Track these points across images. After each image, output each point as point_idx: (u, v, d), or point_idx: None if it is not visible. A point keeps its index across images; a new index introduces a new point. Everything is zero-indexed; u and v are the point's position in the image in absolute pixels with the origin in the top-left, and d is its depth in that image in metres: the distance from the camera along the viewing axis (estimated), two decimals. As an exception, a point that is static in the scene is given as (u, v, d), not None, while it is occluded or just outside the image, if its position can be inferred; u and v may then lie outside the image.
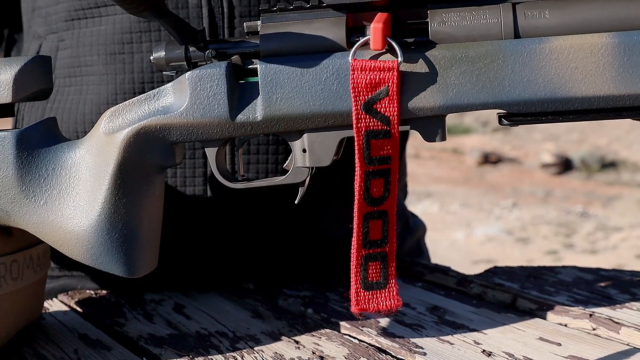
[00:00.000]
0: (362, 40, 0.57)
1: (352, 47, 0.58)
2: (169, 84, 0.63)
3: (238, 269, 0.90)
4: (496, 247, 5.39)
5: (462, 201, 7.76)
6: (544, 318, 0.80)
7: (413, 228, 1.11)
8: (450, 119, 17.78)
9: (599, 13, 0.57)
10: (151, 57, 0.64)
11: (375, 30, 0.56)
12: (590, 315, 0.78)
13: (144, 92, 0.82)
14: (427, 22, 0.59)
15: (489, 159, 13.35)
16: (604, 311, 0.80)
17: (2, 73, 0.66)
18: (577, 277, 0.94)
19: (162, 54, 0.63)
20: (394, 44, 0.57)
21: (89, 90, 0.84)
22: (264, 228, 0.86)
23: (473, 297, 0.88)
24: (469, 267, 4.67)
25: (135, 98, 0.64)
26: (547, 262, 5.02)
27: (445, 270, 0.96)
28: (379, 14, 0.58)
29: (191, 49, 0.62)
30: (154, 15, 0.57)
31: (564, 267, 0.99)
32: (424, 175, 11.92)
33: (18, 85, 0.65)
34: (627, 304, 0.83)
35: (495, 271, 0.98)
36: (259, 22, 0.62)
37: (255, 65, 0.61)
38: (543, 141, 14.78)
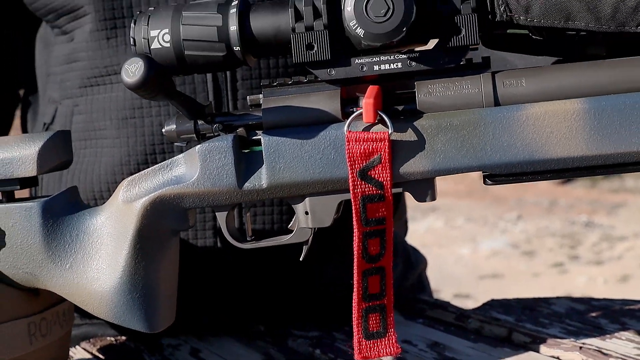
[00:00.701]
0: (355, 114, 0.63)
1: (347, 118, 0.64)
2: (181, 156, 0.69)
3: (249, 313, 0.96)
4: (502, 262, 5.42)
5: (467, 215, 7.80)
6: (538, 351, 0.85)
7: (414, 263, 1.17)
8: None
9: (571, 80, 0.62)
10: (163, 130, 0.69)
11: (367, 105, 0.62)
12: (580, 347, 0.83)
13: (155, 154, 0.88)
14: (415, 92, 0.64)
15: (492, 171, 13.51)
16: (594, 342, 0.85)
17: (27, 148, 0.72)
18: (569, 307, 1.00)
19: (173, 127, 0.69)
20: (384, 116, 0.62)
21: (103, 153, 0.90)
22: (271, 279, 0.92)
23: (471, 332, 0.93)
24: (475, 282, 4.71)
25: (150, 168, 0.69)
26: (553, 274, 5.06)
27: (445, 306, 1.02)
28: (370, 87, 0.64)
29: (199, 122, 0.68)
30: (166, 98, 0.63)
31: (557, 298, 1.04)
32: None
33: (42, 160, 0.71)
34: (616, 334, 0.88)
35: (492, 304, 1.03)
36: (260, 96, 0.68)
37: (259, 137, 0.66)
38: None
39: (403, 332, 0.93)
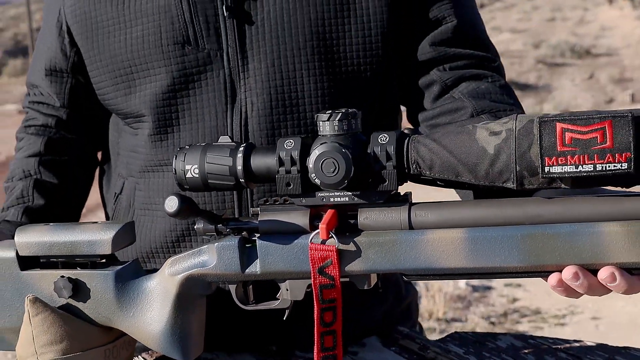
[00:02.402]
0: (314, 233, 0.95)
1: (314, 230, 0.96)
2: (205, 247, 1.02)
3: (264, 336, 1.29)
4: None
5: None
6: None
7: (404, 295, 1.48)
8: (529, 107, 17.28)
9: (460, 214, 0.92)
10: (195, 227, 1.03)
11: (322, 229, 0.94)
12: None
13: (192, 225, 1.21)
14: (357, 216, 0.95)
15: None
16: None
17: (105, 234, 1.06)
18: (510, 344, 1.30)
19: (201, 226, 1.02)
20: (333, 235, 0.94)
21: (157, 221, 1.24)
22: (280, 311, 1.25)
23: (427, 361, 1.24)
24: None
25: (186, 253, 1.03)
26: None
27: (413, 337, 1.33)
28: (328, 211, 0.95)
29: (218, 225, 1.01)
30: (194, 217, 0.97)
31: (504, 334, 1.34)
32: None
33: (115, 243, 1.06)
34: (535, 369, 1.18)
35: (453, 336, 1.34)
36: (258, 210, 1.00)
37: (256, 239, 0.99)
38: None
39: (377, 356, 1.25)
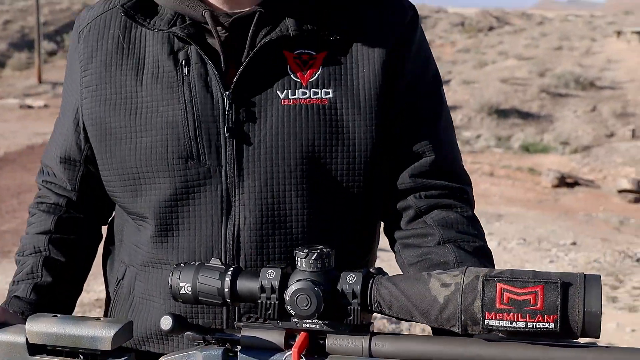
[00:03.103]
0: (287, 353, 1.10)
1: (289, 348, 1.10)
2: (194, 351, 1.17)
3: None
4: None
5: (524, 234, 7.99)
6: None
7: None
8: (529, 137, 17.27)
9: (413, 347, 1.07)
10: (184, 334, 1.17)
11: (294, 352, 1.08)
12: None
13: (186, 316, 1.36)
14: (325, 341, 1.10)
15: (565, 182, 13.50)
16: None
17: (106, 331, 1.20)
18: None
19: (190, 335, 1.16)
20: (303, 358, 1.09)
21: (153, 312, 1.37)
22: None
23: None
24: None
25: (176, 355, 1.18)
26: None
27: None
28: (300, 334, 1.10)
29: (206, 336, 1.15)
30: (187, 331, 1.11)
31: None
32: (497, 195, 12.12)
33: (114, 341, 1.20)
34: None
35: None
36: (242, 325, 1.15)
37: (238, 351, 1.14)
38: (623, 165, 14.80)
39: None
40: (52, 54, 30.36)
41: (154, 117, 1.28)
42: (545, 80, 19.56)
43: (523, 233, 8.43)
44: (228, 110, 1.24)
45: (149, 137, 1.28)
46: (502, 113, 17.86)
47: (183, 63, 1.26)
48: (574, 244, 7.98)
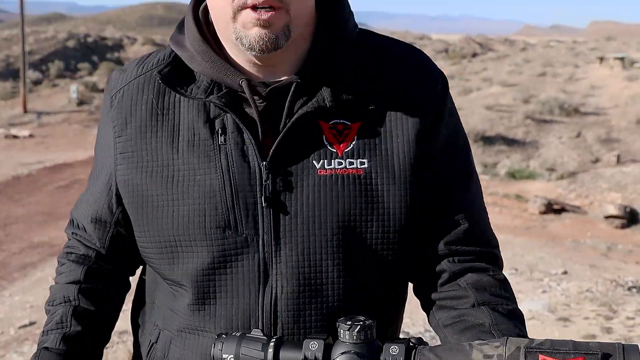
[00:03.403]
0: None
1: None
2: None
3: None
4: (537, 326, 5.66)
5: (514, 264, 7.97)
6: None
7: None
8: (515, 163, 17.36)
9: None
10: None
11: None
12: None
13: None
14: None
15: (552, 208, 13.56)
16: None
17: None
18: None
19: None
20: None
21: None
22: None
23: None
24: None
25: None
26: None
27: None
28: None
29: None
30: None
31: None
32: (485, 223, 12.12)
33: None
34: None
35: None
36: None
37: None
38: (609, 191, 14.91)
39: None
40: (37, 83, 30.31)
41: (191, 185, 1.27)
42: (530, 106, 19.73)
43: (512, 261, 8.42)
44: (265, 180, 1.24)
45: (186, 205, 1.28)
46: (487, 140, 17.99)
47: (219, 131, 1.26)
48: (565, 273, 7.99)
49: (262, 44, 1.19)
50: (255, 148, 1.25)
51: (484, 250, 1.35)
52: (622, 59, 28.12)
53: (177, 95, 1.31)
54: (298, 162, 1.26)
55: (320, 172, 1.26)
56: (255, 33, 1.19)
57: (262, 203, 1.26)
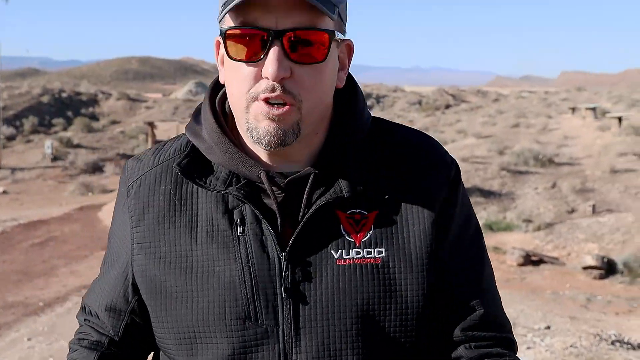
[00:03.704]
0: None
1: None
2: None
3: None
4: None
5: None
6: None
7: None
8: (492, 215, 17.37)
9: None
10: None
11: None
12: None
13: None
14: None
15: (531, 260, 13.59)
16: None
17: None
18: None
19: None
20: None
21: None
22: None
23: None
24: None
25: None
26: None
27: None
28: None
29: None
30: None
31: None
32: (465, 276, 12.07)
33: None
34: None
35: None
36: None
37: None
38: (586, 241, 14.99)
39: None
40: (11, 138, 30.17)
41: (210, 277, 1.26)
42: (505, 158, 19.90)
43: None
44: (285, 271, 1.24)
45: (205, 297, 1.27)
46: (464, 191, 17.98)
47: (238, 222, 1.26)
48: (548, 327, 7.98)
49: (270, 139, 1.21)
50: (274, 239, 1.25)
51: (499, 335, 1.35)
52: (593, 109, 28.65)
53: (194, 186, 1.31)
54: (317, 252, 1.26)
55: (338, 262, 1.26)
56: (265, 127, 1.21)
57: (281, 294, 1.25)
